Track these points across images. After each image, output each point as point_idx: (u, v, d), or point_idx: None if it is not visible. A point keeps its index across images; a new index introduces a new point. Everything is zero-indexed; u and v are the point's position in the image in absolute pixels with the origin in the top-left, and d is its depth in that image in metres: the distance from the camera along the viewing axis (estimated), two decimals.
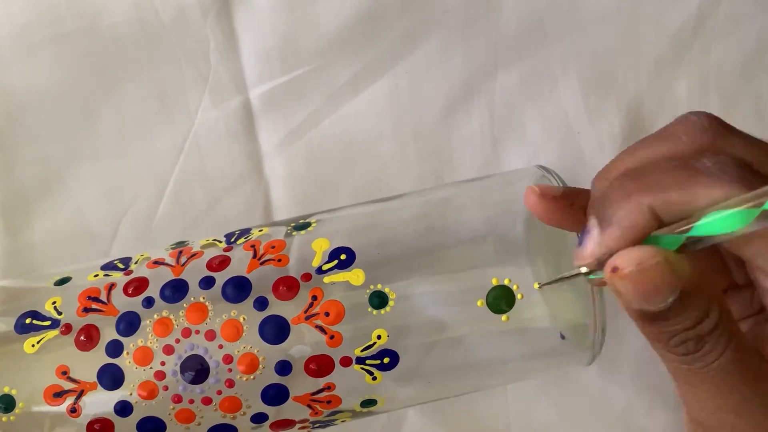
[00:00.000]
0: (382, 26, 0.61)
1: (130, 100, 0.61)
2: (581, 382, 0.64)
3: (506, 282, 0.46)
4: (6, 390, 0.46)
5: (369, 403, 0.49)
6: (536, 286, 0.45)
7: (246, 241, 0.50)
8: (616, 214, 0.35)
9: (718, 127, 0.38)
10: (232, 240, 0.51)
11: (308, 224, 0.50)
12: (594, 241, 0.36)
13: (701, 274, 0.34)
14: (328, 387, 0.47)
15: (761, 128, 0.62)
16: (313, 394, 0.47)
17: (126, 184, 0.62)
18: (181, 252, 0.50)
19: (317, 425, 0.50)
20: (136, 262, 0.50)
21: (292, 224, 0.51)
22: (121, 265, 0.50)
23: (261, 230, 0.51)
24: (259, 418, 0.47)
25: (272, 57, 0.61)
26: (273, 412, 0.47)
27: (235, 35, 0.61)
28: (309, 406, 0.47)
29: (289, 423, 0.49)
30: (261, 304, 0.46)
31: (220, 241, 0.51)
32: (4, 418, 0.46)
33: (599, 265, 0.36)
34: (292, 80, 0.61)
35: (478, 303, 0.45)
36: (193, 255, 0.49)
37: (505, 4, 0.61)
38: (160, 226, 0.62)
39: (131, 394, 0.46)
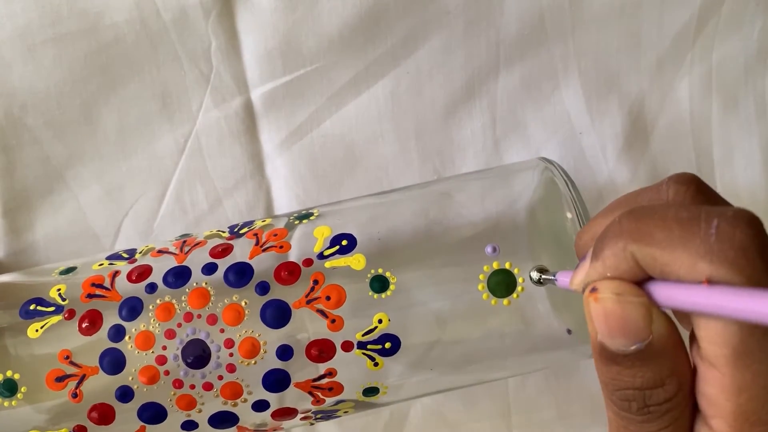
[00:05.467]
0: (384, 26, 0.61)
1: (132, 100, 0.61)
2: (581, 381, 0.63)
3: (507, 266, 0.45)
4: (9, 374, 0.46)
5: (371, 391, 0.48)
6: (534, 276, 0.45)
7: (249, 230, 0.50)
8: (604, 251, 0.34)
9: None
10: (236, 230, 0.51)
11: (311, 214, 0.51)
12: (583, 270, 0.35)
13: (677, 340, 0.33)
14: (330, 373, 0.47)
15: (762, 128, 0.62)
16: (315, 380, 0.47)
17: (128, 184, 0.62)
18: (184, 242, 0.50)
19: (320, 416, 0.50)
20: (140, 252, 0.51)
21: (295, 215, 0.51)
22: (125, 255, 0.51)
23: (264, 221, 0.51)
24: (260, 406, 0.47)
25: (274, 57, 0.61)
26: (275, 400, 0.47)
27: (236, 35, 0.61)
28: (311, 393, 0.47)
29: (291, 412, 0.49)
30: (262, 289, 0.46)
31: (224, 232, 0.51)
32: (6, 403, 0.46)
33: None
34: (293, 80, 0.62)
35: (479, 287, 0.45)
36: (197, 244, 0.50)
37: (507, 4, 0.61)
38: (161, 226, 0.62)
39: (132, 379, 0.46)
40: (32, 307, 0.47)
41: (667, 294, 0.31)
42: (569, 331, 0.48)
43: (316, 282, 0.46)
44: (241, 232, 0.50)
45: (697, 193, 0.36)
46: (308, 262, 0.46)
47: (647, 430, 0.34)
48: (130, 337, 0.46)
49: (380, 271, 0.46)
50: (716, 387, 0.31)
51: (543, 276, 0.45)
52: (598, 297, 0.33)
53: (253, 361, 0.45)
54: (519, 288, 0.46)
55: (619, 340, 0.33)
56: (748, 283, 0.28)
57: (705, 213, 0.31)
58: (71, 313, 0.47)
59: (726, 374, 0.30)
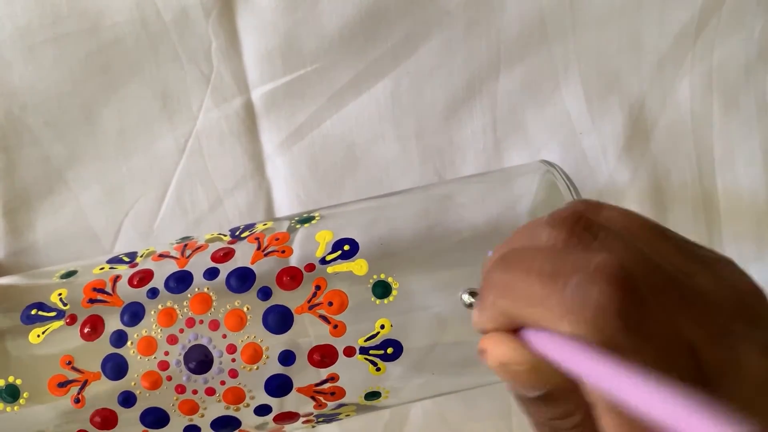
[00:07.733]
0: (384, 27, 0.61)
1: (132, 100, 0.61)
2: None
3: None
4: (11, 380, 0.46)
5: (372, 395, 0.48)
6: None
7: (250, 234, 0.50)
8: (483, 301, 0.33)
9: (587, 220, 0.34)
10: (237, 234, 0.51)
11: (312, 218, 0.51)
12: (475, 316, 0.34)
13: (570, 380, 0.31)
14: (332, 378, 0.47)
15: (763, 128, 0.62)
16: (317, 385, 0.47)
17: (128, 185, 0.62)
18: (186, 245, 0.50)
19: (321, 419, 0.50)
20: (141, 256, 0.51)
21: (296, 218, 0.51)
22: (126, 259, 0.51)
23: (265, 224, 0.51)
24: (262, 410, 0.47)
25: (274, 57, 0.61)
26: (277, 404, 0.47)
27: (237, 35, 0.61)
28: (313, 398, 0.47)
29: (293, 416, 0.49)
30: (265, 294, 0.46)
31: (225, 235, 0.51)
32: (8, 408, 0.46)
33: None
34: (294, 80, 0.61)
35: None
36: (198, 248, 0.50)
37: (507, 4, 0.61)
38: (162, 226, 0.62)
39: (134, 384, 0.46)
40: (33, 312, 0.47)
41: (539, 344, 0.30)
42: None
43: (318, 287, 0.46)
44: (243, 235, 0.50)
45: (571, 236, 0.33)
46: (310, 267, 0.46)
47: None
48: (132, 343, 0.46)
49: (383, 276, 0.46)
50: (604, 425, 0.30)
51: (473, 300, 0.44)
52: (489, 363, 0.32)
53: (255, 367, 0.45)
54: None
55: (518, 390, 0.33)
56: (607, 344, 0.27)
57: (569, 266, 0.30)
58: (73, 319, 0.47)
59: (606, 421, 0.29)
